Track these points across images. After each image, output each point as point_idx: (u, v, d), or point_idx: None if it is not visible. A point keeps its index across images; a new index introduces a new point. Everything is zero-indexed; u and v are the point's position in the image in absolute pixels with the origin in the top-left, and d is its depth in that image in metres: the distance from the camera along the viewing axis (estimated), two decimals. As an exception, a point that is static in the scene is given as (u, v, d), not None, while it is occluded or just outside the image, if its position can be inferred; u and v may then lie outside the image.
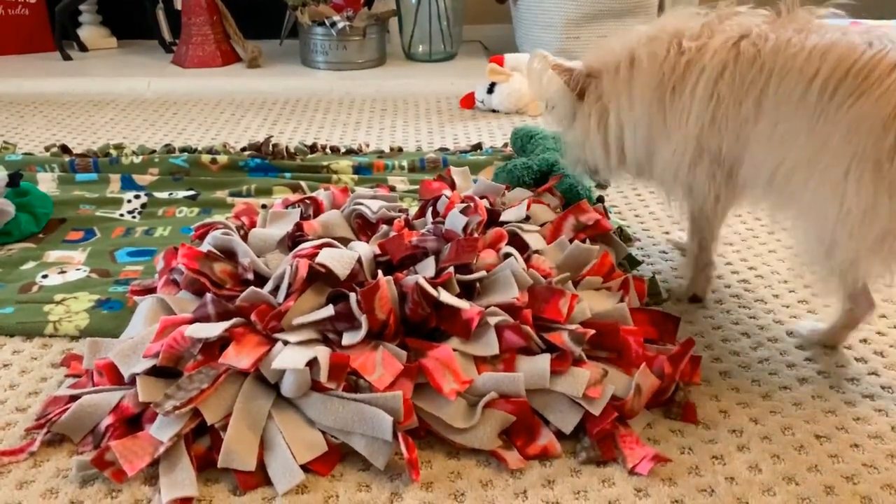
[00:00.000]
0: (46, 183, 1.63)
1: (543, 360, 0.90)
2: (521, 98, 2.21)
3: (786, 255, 1.37)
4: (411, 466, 0.83)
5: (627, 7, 2.53)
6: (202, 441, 0.87)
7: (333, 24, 2.58)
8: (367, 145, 1.91)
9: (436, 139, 2.00)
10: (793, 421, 0.94)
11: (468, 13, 2.96)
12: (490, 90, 2.23)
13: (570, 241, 1.10)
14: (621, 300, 1.03)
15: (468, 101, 2.30)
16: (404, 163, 1.71)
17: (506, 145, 1.87)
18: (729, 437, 0.92)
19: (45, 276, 1.27)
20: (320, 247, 1.00)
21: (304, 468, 0.84)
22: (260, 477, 0.84)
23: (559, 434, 0.90)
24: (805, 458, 0.88)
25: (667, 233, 1.47)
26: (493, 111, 2.26)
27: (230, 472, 0.85)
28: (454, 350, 0.92)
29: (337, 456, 0.87)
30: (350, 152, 1.84)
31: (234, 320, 0.93)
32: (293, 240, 1.11)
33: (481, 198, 1.18)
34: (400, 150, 1.86)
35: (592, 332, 0.93)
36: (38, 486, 0.84)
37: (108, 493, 0.83)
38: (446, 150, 1.85)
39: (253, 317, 0.94)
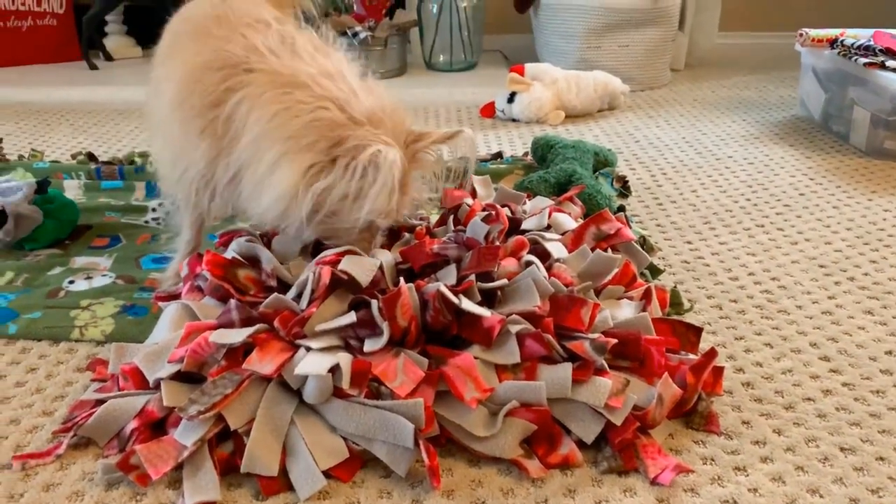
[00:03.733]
0: (73, 190, 1.66)
1: (565, 369, 0.90)
2: (542, 107, 2.22)
3: (809, 266, 1.36)
4: (432, 474, 0.83)
5: (649, 17, 2.52)
6: (225, 446, 0.87)
7: (356, 35, 2.60)
8: (389, 154, 1.92)
9: (456, 148, 2.01)
10: (817, 433, 0.93)
11: (488, 23, 2.98)
12: (510, 99, 2.24)
13: (592, 250, 1.09)
14: (643, 310, 1.03)
15: (488, 111, 2.31)
16: (425, 171, 1.72)
17: (526, 154, 1.87)
18: (752, 448, 0.91)
19: (71, 282, 1.29)
20: (342, 254, 1.01)
21: (326, 474, 0.85)
22: (282, 482, 0.85)
23: (580, 443, 0.89)
24: (830, 469, 0.87)
25: (689, 242, 1.46)
26: (514, 120, 2.26)
27: (253, 477, 0.85)
28: (475, 358, 0.92)
29: (358, 462, 0.88)
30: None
31: (257, 326, 0.94)
32: (315, 247, 1.12)
33: (502, 206, 1.18)
34: (421, 158, 1.87)
35: (614, 341, 0.93)
36: (64, 489, 0.85)
37: (132, 497, 0.84)
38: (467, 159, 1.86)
39: (276, 323, 0.95)
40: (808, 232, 1.50)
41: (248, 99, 1.05)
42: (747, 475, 0.87)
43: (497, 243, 1.05)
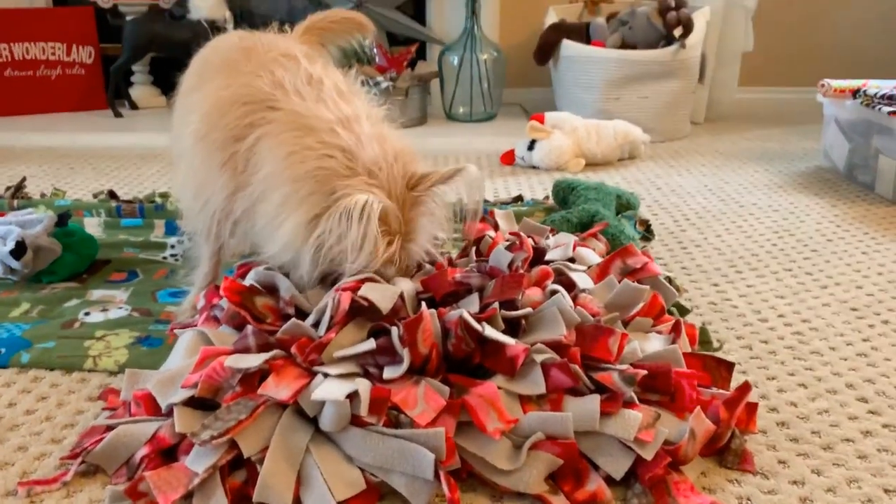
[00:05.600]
0: (93, 227, 1.65)
1: (593, 401, 0.86)
2: (562, 155, 2.22)
3: (840, 309, 1.32)
4: (453, 506, 0.79)
5: (668, 69, 2.54)
6: (238, 475, 0.84)
7: (377, 84, 2.63)
8: (409, 196, 1.91)
9: (476, 193, 2.00)
10: (859, 474, 0.89)
11: (509, 76, 3.01)
12: (530, 147, 2.24)
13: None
14: (672, 343, 0.99)
15: (508, 158, 2.31)
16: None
17: (547, 198, 1.86)
18: (790, 489, 0.86)
19: (87, 314, 1.27)
20: (362, 281, 0.99)
21: (342, 506, 0.81)
22: (296, 513, 0.81)
23: (609, 480, 0.85)
24: (874, 512, 0.82)
25: (715, 284, 1.43)
26: (534, 167, 2.26)
27: (265, 509, 0.82)
28: (499, 388, 0.88)
29: (376, 495, 0.84)
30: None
31: (273, 352, 0.91)
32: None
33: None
34: (441, 200, 1.86)
35: (644, 372, 0.89)
36: (69, 517, 0.82)
37: (139, 526, 0.80)
38: (487, 201, 1.85)
39: (293, 349, 0.92)
40: (837, 276, 1.47)
41: (268, 137, 1.07)
42: (787, 516, 0.82)
43: (521, 271, 1.03)
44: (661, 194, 2.01)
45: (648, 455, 0.84)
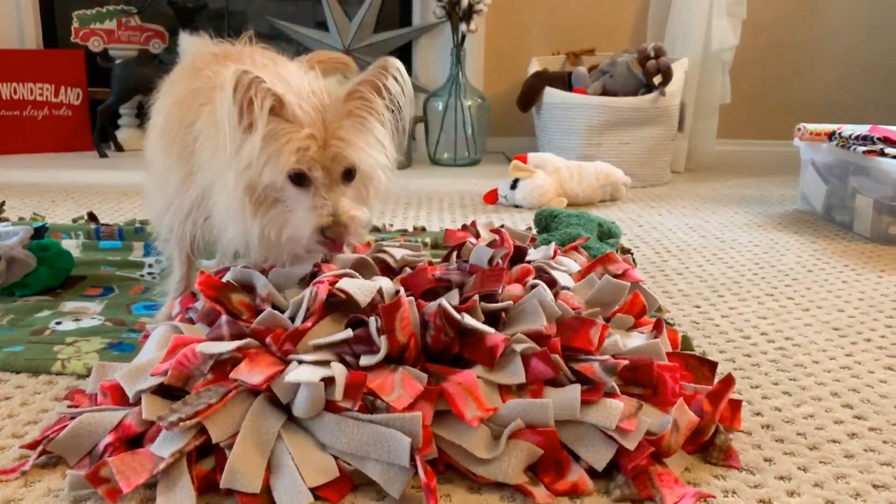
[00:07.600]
0: (70, 249, 1.62)
1: (573, 390, 0.84)
2: (545, 194, 2.23)
3: (823, 328, 1.31)
4: (429, 493, 0.76)
5: (649, 115, 2.59)
6: (206, 462, 0.81)
7: (362, 127, 2.66)
8: (392, 225, 1.91)
9: (459, 226, 2.00)
10: (846, 471, 0.87)
11: (492, 125, 3.05)
12: (513, 186, 2.26)
13: (599, 288, 1.06)
14: (654, 339, 0.98)
15: (491, 197, 2.32)
16: (427, 240, 1.70)
17: (529, 228, 1.86)
18: (777, 483, 0.84)
19: (58, 323, 1.24)
20: (340, 276, 0.97)
21: (314, 494, 0.78)
22: (265, 501, 0.77)
23: (591, 472, 0.82)
24: (863, 504, 0.80)
25: (697, 306, 1.42)
26: (516, 206, 2.27)
27: (233, 497, 0.78)
28: (478, 378, 0.86)
29: (349, 484, 0.80)
30: (374, 230, 1.84)
31: (247, 340, 0.89)
32: (313, 277, 1.08)
33: (506, 247, 1.15)
34: (423, 229, 1.86)
35: (625, 362, 0.87)
36: (25, 504, 0.78)
37: (99, 513, 0.76)
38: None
39: (268, 339, 0.90)
40: (819, 301, 1.46)
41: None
42: (774, 507, 0.79)
43: (501, 266, 1.02)
44: (642, 230, 2.02)
45: (631, 444, 0.81)
